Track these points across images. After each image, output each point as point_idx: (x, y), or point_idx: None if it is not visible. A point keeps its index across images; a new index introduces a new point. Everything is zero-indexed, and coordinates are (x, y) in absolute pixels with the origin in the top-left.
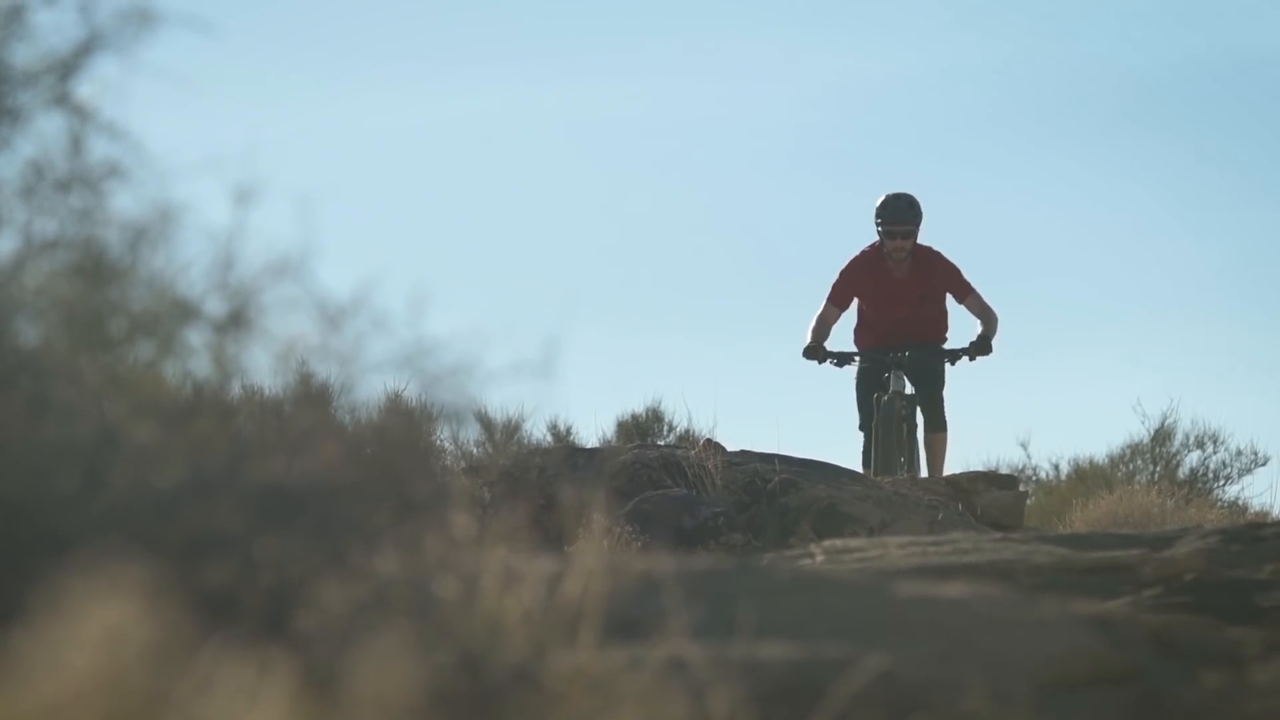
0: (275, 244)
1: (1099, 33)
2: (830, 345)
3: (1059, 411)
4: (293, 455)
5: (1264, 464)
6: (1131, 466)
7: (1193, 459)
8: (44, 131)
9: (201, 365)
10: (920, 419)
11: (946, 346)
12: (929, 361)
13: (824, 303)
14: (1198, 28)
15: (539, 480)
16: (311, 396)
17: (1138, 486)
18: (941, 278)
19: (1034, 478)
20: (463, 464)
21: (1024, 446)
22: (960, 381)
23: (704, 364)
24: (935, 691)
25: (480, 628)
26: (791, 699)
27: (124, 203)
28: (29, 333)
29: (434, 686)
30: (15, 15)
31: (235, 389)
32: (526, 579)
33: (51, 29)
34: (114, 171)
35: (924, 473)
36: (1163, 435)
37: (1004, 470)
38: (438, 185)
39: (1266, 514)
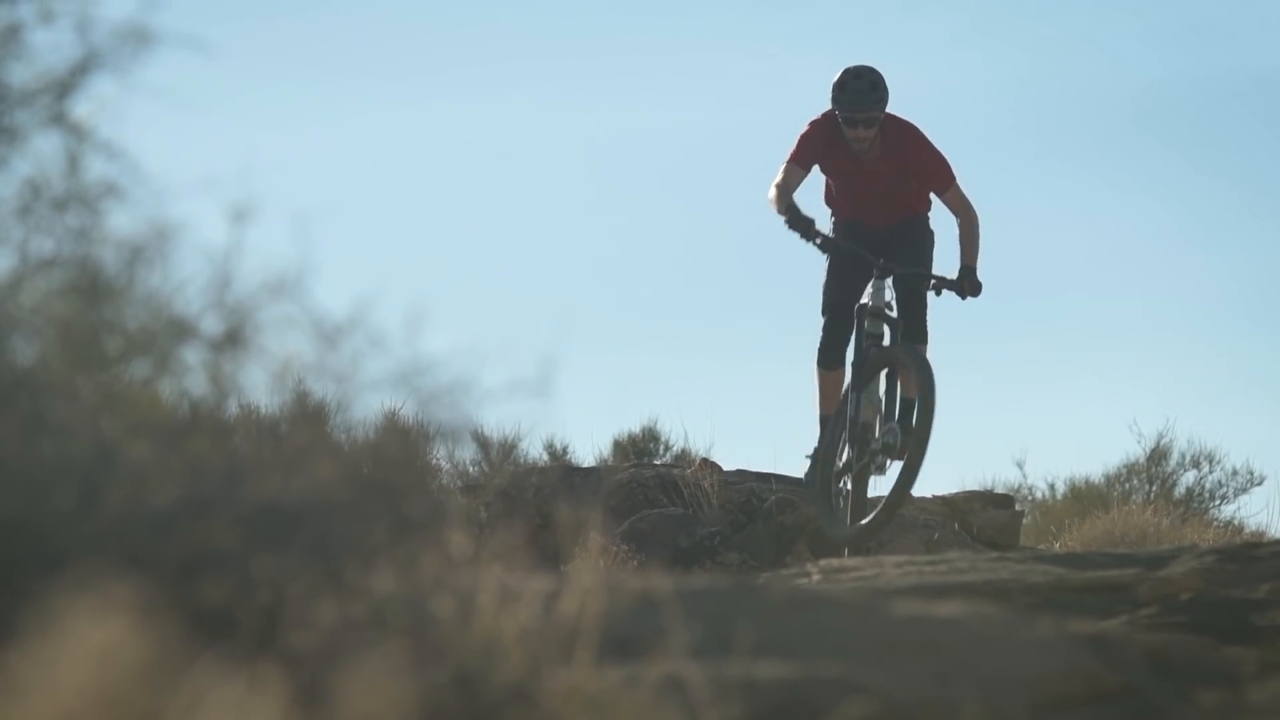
0: (272, 262)
1: (1101, 50)
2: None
3: (1055, 431)
4: (289, 474)
5: (1260, 483)
6: (1128, 486)
7: (1189, 478)
8: (41, 150)
9: (198, 384)
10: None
11: (934, 273)
12: (917, 282)
13: (785, 163)
14: (1204, 45)
15: (535, 499)
16: (308, 415)
17: (1134, 506)
18: (916, 165)
19: (1030, 497)
20: (459, 483)
21: (1020, 466)
22: (955, 400)
23: (700, 383)
24: (931, 711)
25: (477, 646)
26: (787, 718)
27: (120, 221)
28: (26, 351)
29: (430, 705)
30: (12, 34)
31: (232, 407)
32: (523, 598)
33: (48, 48)
34: (111, 190)
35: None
36: (1159, 454)
37: (1000, 490)
38: (434, 203)
39: (1262, 533)
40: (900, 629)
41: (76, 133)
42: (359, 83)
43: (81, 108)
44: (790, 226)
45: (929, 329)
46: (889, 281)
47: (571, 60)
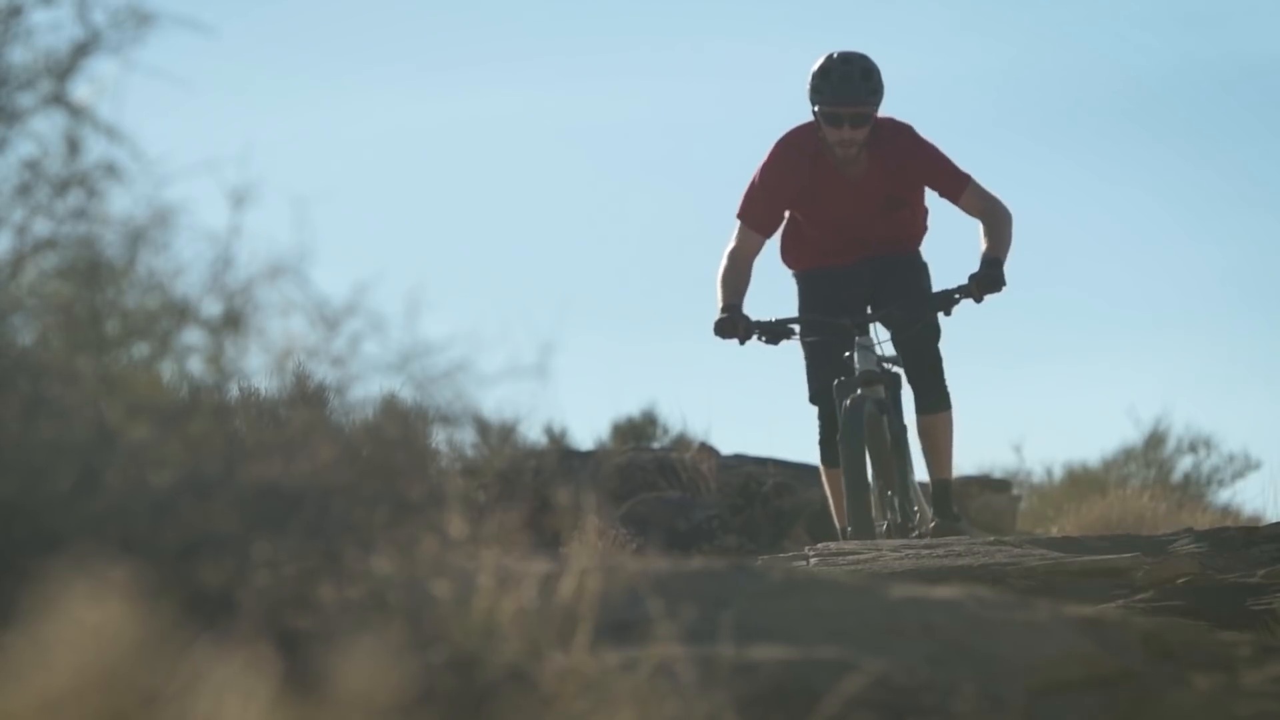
0: (271, 245)
1: (1094, 39)
2: (755, 310)
3: (1052, 415)
4: (288, 456)
5: (1257, 468)
6: (1125, 470)
7: (1186, 463)
8: (41, 132)
9: (197, 366)
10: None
11: (935, 289)
12: (914, 309)
13: (736, 231)
14: (1198, 33)
15: (534, 482)
16: (307, 398)
17: (1131, 490)
18: (916, 171)
19: (1027, 482)
20: (458, 465)
21: (1017, 450)
22: (952, 385)
23: (698, 367)
24: (927, 694)
25: (475, 628)
26: (784, 701)
27: (120, 203)
28: (25, 333)
29: (427, 686)
30: (12, 15)
31: (231, 390)
32: (521, 580)
33: (49, 29)
34: (110, 172)
35: (917, 478)
36: (1156, 439)
37: (997, 474)
38: (434, 188)
39: (1259, 518)
40: (897, 612)
41: (76, 114)
42: (359, 67)
43: (82, 89)
44: (718, 333)
45: (948, 389)
46: (876, 332)
47: (570, 46)
